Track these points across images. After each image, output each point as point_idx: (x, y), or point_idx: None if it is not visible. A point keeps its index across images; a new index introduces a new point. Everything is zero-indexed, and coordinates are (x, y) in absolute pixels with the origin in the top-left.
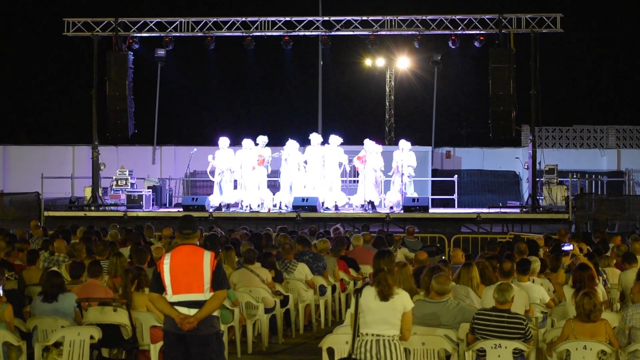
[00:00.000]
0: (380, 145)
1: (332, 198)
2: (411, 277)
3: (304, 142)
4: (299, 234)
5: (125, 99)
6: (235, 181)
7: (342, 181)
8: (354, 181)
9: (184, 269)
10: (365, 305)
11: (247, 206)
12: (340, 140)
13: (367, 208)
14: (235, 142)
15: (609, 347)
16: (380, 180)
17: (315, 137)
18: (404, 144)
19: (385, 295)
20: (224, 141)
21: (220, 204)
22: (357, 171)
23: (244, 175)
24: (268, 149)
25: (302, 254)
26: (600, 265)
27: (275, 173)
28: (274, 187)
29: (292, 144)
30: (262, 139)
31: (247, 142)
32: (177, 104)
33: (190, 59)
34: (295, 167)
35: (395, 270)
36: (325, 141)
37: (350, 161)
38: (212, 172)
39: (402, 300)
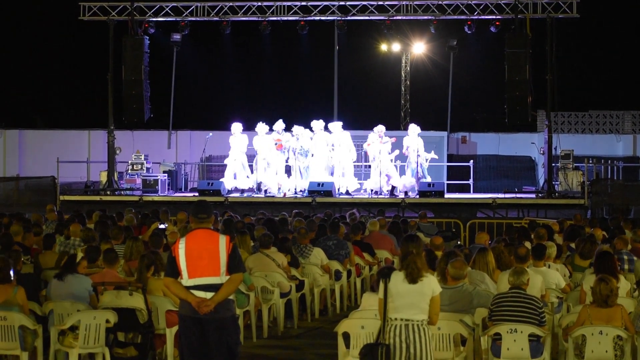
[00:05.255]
0: (383, 126)
1: (344, 183)
2: (425, 263)
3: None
4: (314, 219)
5: (141, 83)
6: (251, 166)
7: (357, 166)
8: (368, 166)
9: (199, 252)
10: (394, 290)
11: (265, 190)
12: (340, 124)
13: (383, 192)
14: (251, 127)
15: (624, 333)
16: (392, 160)
17: (317, 124)
18: (413, 128)
19: (414, 277)
20: (236, 127)
21: (232, 189)
22: (367, 156)
23: (259, 160)
24: (287, 134)
25: (327, 239)
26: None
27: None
28: (287, 172)
29: (300, 130)
30: (280, 125)
31: (261, 127)
32: (193, 89)
33: (206, 43)
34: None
35: None
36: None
37: (358, 147)
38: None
39: (431, 284)
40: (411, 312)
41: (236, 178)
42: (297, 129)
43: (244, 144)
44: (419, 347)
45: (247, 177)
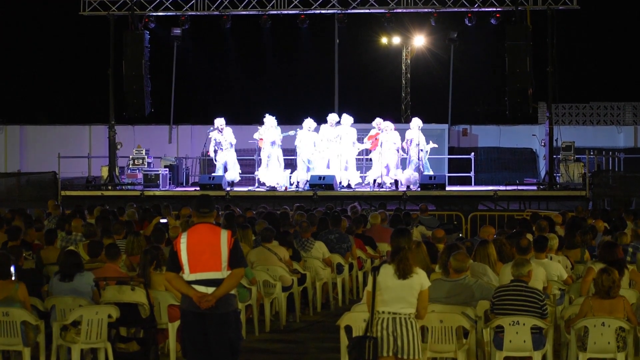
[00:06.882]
0: (389, 122)
1: (346, 177)
2: (427, 256)
3: (320, 121)
4: (315, 213)
5: (141, 78)
6: (250, 160)
7: (358, 159)
8: (370, 159)
9: (201, 247)
10: (383, 283)
11: (270, 185)
12: (352, 119)
13: (384, 185)
14: (250, 121)
15: (627, 324)
16: (400, 155)
17: (332, 117)
18: (415, 121)
19: (405, 273)
20: (220, 121)
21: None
22: (370, 150)
23: (262, 153)
24: (278, 128)
25: (329, 232)
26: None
27: (292, 152)
28: (290, 165)
29: (309, 123)
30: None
31: (269, 120)
32: (194, 83)
33: (207, 37)
34: (312, 146)
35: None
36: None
37: (360, 140)
38: (215, 152)
39: (420, 279)
40: (399, 305)
41: (226, 171)
42: (309, 121)
43: (230, 137)
44: (407, 340)
45: (238, 171)
